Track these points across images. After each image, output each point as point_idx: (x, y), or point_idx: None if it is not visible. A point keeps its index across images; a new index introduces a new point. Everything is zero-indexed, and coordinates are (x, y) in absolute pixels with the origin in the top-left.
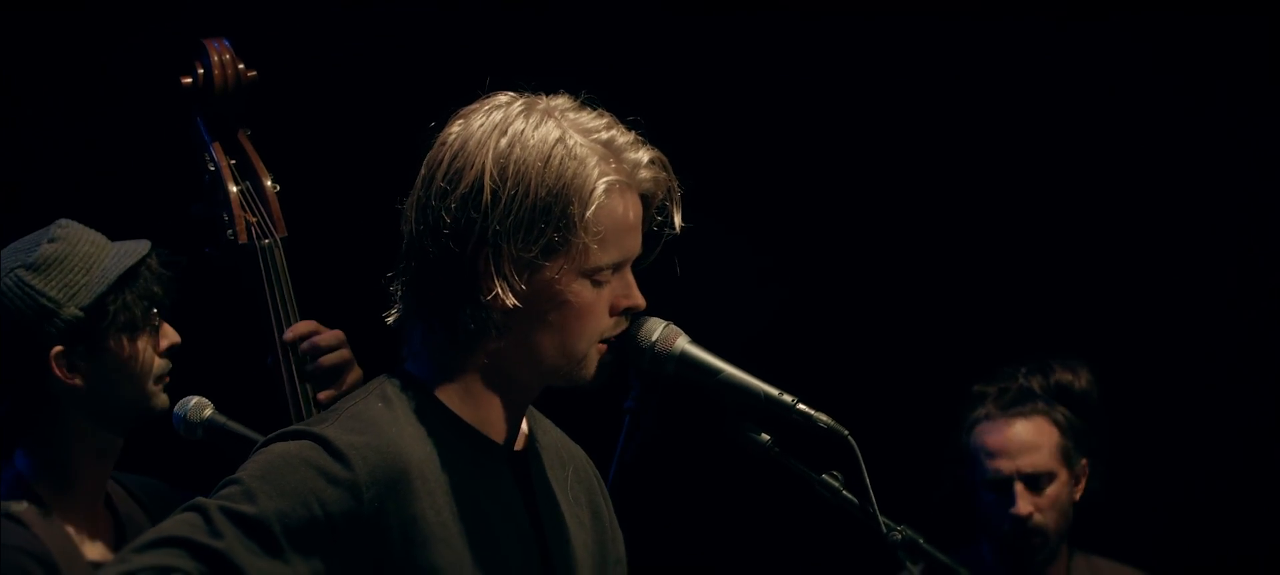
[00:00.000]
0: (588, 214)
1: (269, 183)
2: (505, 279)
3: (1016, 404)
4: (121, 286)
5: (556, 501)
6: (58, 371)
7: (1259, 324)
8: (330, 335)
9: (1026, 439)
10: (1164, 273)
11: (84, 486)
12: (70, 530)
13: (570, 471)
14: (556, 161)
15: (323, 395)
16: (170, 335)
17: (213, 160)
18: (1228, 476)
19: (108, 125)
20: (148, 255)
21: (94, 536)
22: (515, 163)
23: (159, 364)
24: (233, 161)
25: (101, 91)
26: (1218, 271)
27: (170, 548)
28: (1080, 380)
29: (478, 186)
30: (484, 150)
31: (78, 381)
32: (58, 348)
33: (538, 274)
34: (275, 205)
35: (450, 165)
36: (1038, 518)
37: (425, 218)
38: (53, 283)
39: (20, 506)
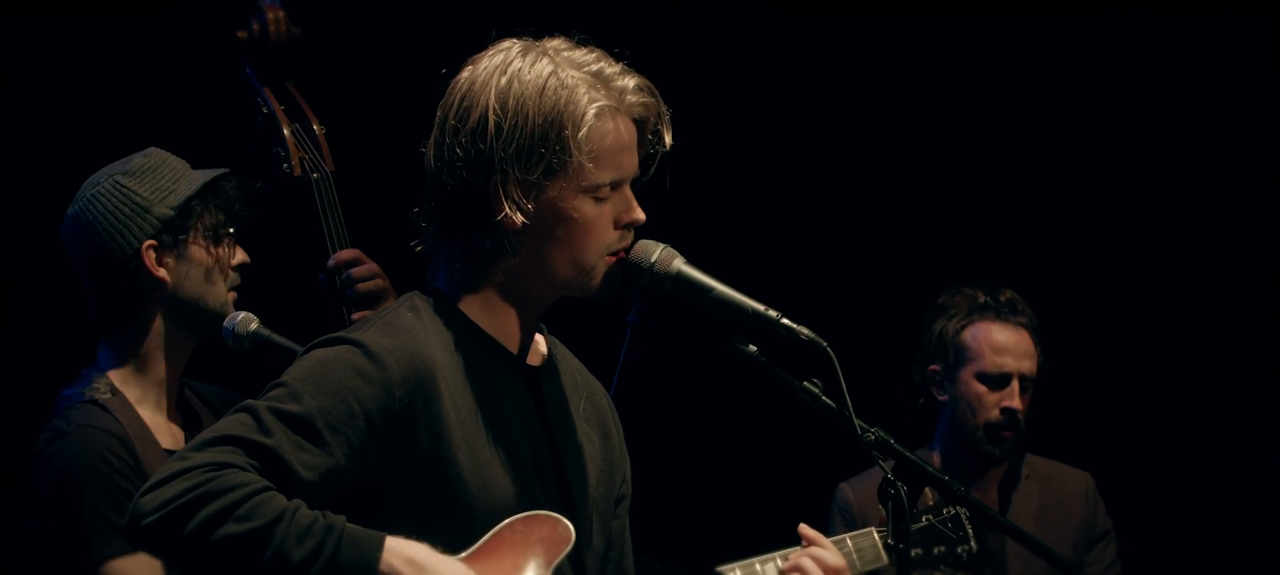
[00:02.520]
0: (580, 135)
1: (317, 125)
2: (513, 201)
3: (1012, 314)
4: (205, 195)
5: (568, 414)
6: (148, 263)
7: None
8: (367, 267)
9: (1026, 347)
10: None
11: (160, 384)
12: (148, 421)
13: (584, 396)
14: (550, 92)
15: (356, 316)
16: (241, 254)
17: (266, 104)
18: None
19: (167, 74)
20: (227, 175)
21: (169, 429)
22: (514, 97)
23: (231, 275)
24: (283, 106)
25: (160, 44)
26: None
27: (226, 445)
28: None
29: (483, 121)
30: (487, 89)
31: (164, 275)
32: (150, 241)
33: (542, 194)
34: (324, 144)
35: (460, 105)
36: (1021, 415)
37: (441, 154)
38: (146, 185)
39: (105, 395)
